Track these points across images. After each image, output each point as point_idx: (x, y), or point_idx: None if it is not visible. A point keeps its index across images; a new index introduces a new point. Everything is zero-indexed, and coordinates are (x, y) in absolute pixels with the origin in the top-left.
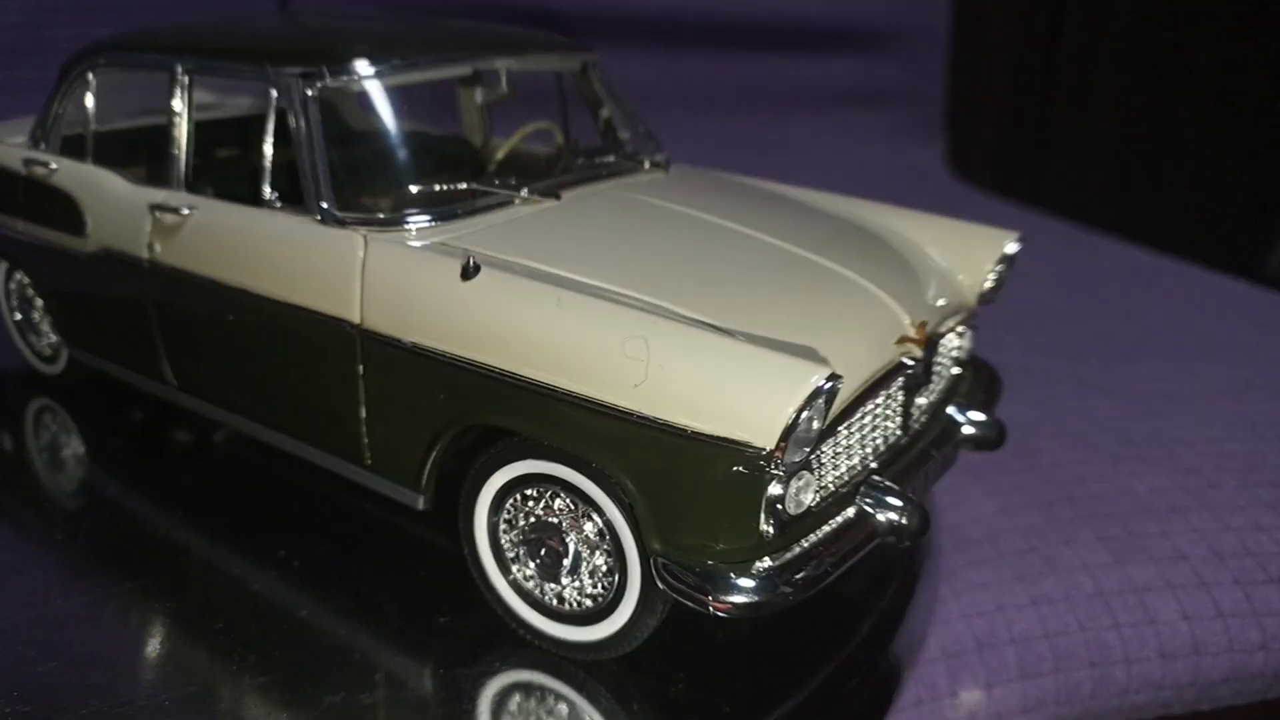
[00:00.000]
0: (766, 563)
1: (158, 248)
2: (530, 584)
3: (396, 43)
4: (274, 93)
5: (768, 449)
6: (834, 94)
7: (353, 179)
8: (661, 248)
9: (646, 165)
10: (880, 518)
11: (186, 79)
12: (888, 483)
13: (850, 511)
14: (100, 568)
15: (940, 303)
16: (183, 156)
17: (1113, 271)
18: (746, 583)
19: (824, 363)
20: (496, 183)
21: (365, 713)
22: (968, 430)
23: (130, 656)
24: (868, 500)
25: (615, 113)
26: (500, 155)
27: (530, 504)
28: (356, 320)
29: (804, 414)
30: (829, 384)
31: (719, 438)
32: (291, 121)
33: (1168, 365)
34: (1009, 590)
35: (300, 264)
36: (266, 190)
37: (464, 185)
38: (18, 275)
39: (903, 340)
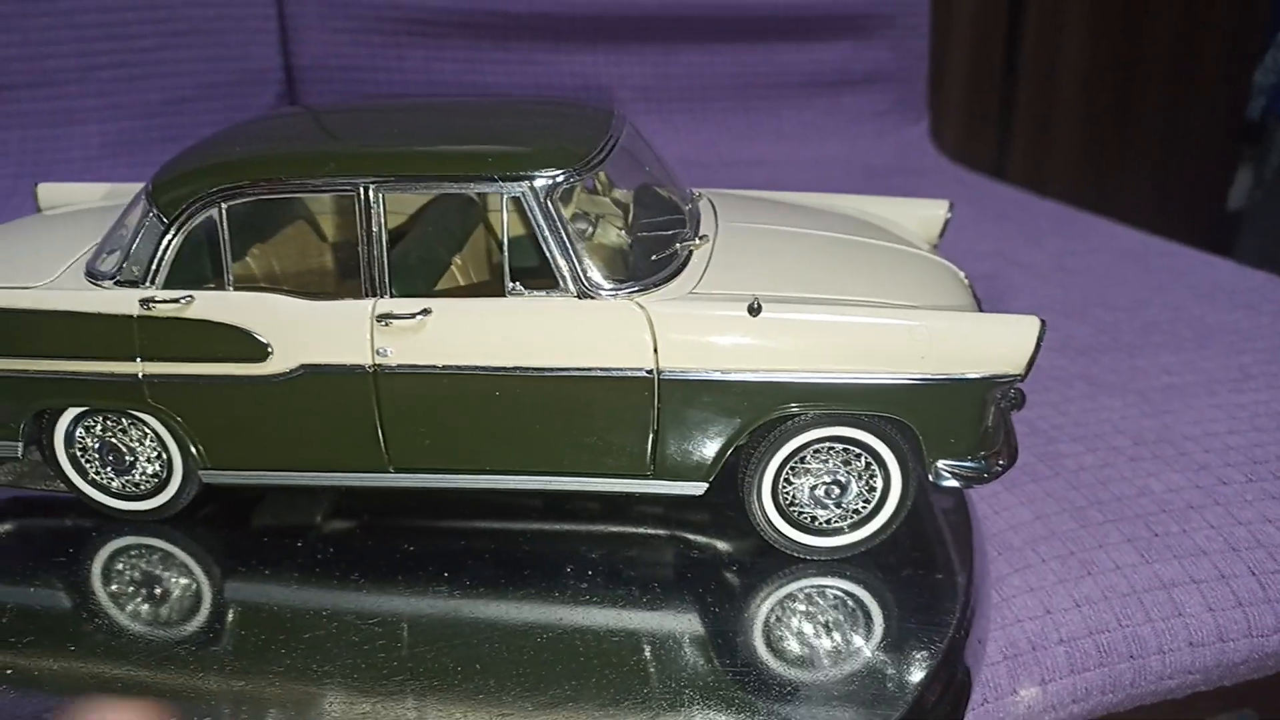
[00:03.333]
0: (986, 449)
1: (390, 351)
2: (806, 515)
3: (586, 137)
4: (505, 196)
5: (1021, 374)
6: (823, 80)
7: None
8: (813, 260)
9: (698, 195)
10: (1005, 406)
11: (381, 196)
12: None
13: None
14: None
15: None
16: (387, 267)
17: (1105, 254)
18: (983, 466)
19: (1033, 313)
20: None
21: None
22: None
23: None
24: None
25: (659, 157)
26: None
27: (814, 459)
28: (652, 367)
29: (1039, 347)
30: (1043, 327)
31: (985, 377)
32: (535, 220)
33: (1170, 358)
34: (1053, 594)
35: (580, 335)
36: (509, 282)
37: (676, 246)
38: (90, 421)
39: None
